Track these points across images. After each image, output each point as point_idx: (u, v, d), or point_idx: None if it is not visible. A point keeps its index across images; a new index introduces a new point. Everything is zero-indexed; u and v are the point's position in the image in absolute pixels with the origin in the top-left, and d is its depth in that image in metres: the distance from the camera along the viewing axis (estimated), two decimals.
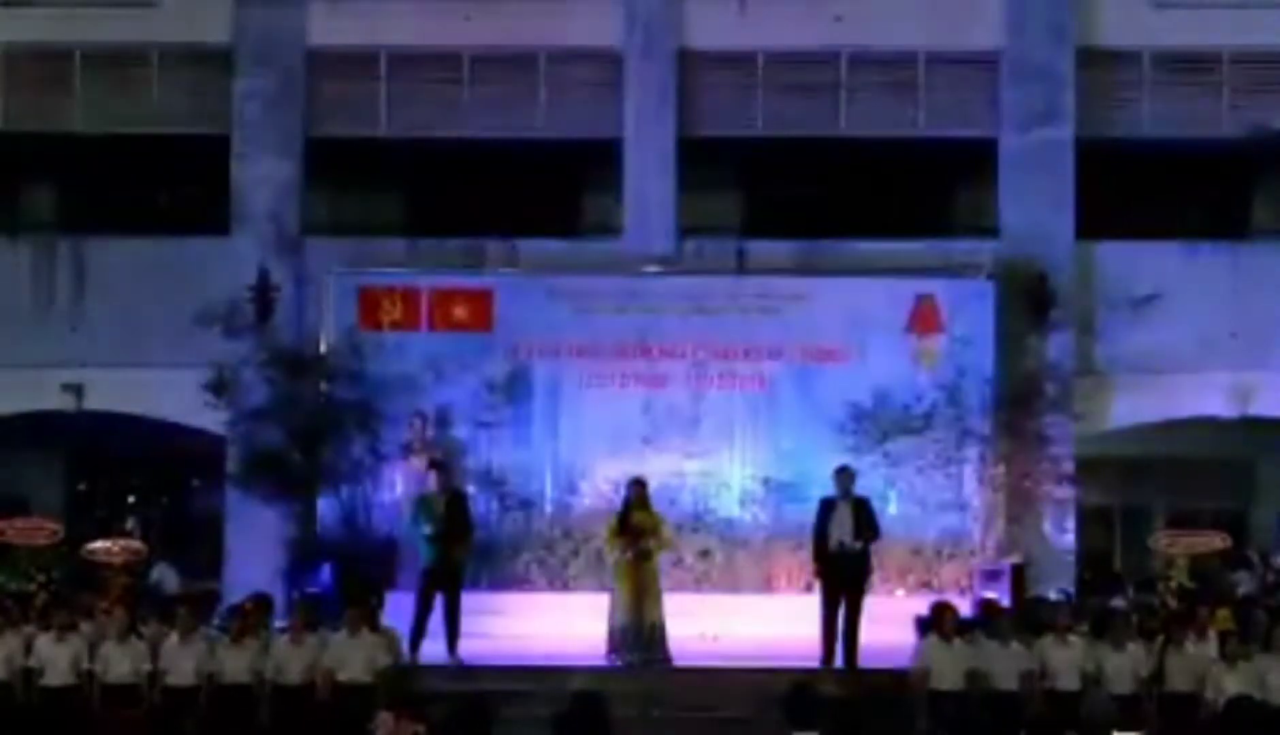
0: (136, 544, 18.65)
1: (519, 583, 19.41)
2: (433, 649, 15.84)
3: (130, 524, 22.70)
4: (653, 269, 20.28)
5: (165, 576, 19.58)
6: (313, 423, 19.00)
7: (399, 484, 19.46)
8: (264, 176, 20.50)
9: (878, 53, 20.75)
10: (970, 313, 19.88)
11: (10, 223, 21.37)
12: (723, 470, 19.81)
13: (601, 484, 19.31)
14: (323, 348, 19.71)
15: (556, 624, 17.83)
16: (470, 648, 16.09)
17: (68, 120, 20.91)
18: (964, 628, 14.80)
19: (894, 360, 19.77)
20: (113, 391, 20.17)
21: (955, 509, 19.67)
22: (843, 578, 15.99)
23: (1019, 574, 18.68)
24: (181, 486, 23.40)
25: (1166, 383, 20.23)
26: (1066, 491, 19.93)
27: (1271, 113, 20.71)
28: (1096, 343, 20.42)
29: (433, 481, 16.61)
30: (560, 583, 19.46)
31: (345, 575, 17.84)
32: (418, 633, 15.81)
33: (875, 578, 16.88)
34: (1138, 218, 20.95)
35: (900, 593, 19.00)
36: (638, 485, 16.52)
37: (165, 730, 14.11)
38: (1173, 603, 17.27)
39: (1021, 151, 20.56)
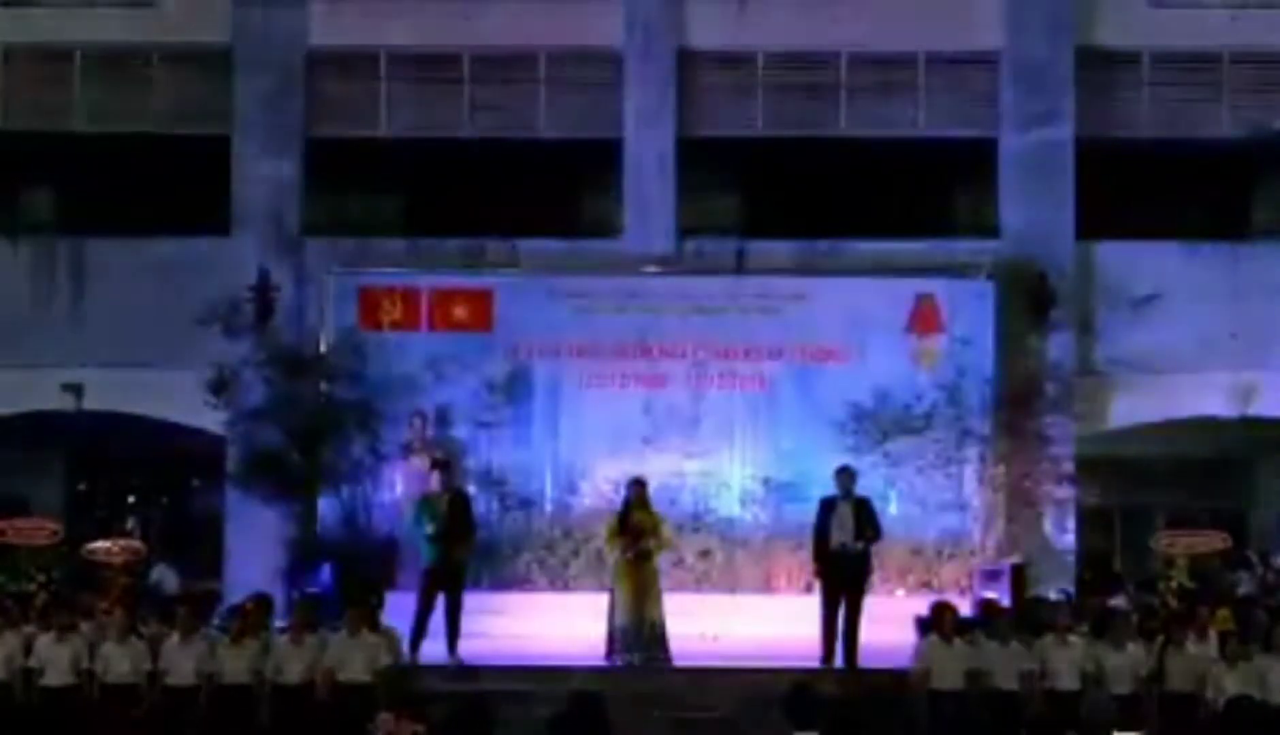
0: (136, 544, 18.66)
1: (519, 583, 19.41)
2: (433, 649, 15.83)
3: (130, 524, 22.73)
4: (653, 269, 20.28)
5: (165, 576, 19.59)
6: (313, 423, 19.00)
7: (399, 484, 19.48)
8: (264, 176, 20.52)
9: (877, 53, 20.76)
10: (970, 313, 19.89)
11: (10, 223, 21.37)
12: (723, 470, 19.81)
13: (601, 484, 19.31)
14: (323, 348, 19.72)
15: (556, 624, 17.80)
16: (470, 648, 16.07)
17: (68, 120, 20.94)
18: (964, 628, 14.80)
19: (894, 360, 19.78)
20: (113, 391, 20.17)
21: (955, 509, 19.67)
22: (843, 578, 15.98)
23: (1019, 574, 18.67)
24: (181, 486, 23.42)
25: (1166, 383, 20.25)
26: (1066, 491, 19.94)
27: (1271, 113, 20.73)
28: (1096, 343, 20.43)
29: (435, 481, 16.61)
30: (560, 583, 19.46)
31: (345, 575, 17.84)
32: (418, 633, 15.80)
33: (875, 578, 16.88)
34: (1138, 218, 20.93)
35: (900, 593, 18.99)
36: (638, 485, 16.51)
37: (165, 730, 14.11)
38: (1173, 603, 17.27)
39: (1021, 151, 20.57)
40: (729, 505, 19.76)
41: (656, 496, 16.94)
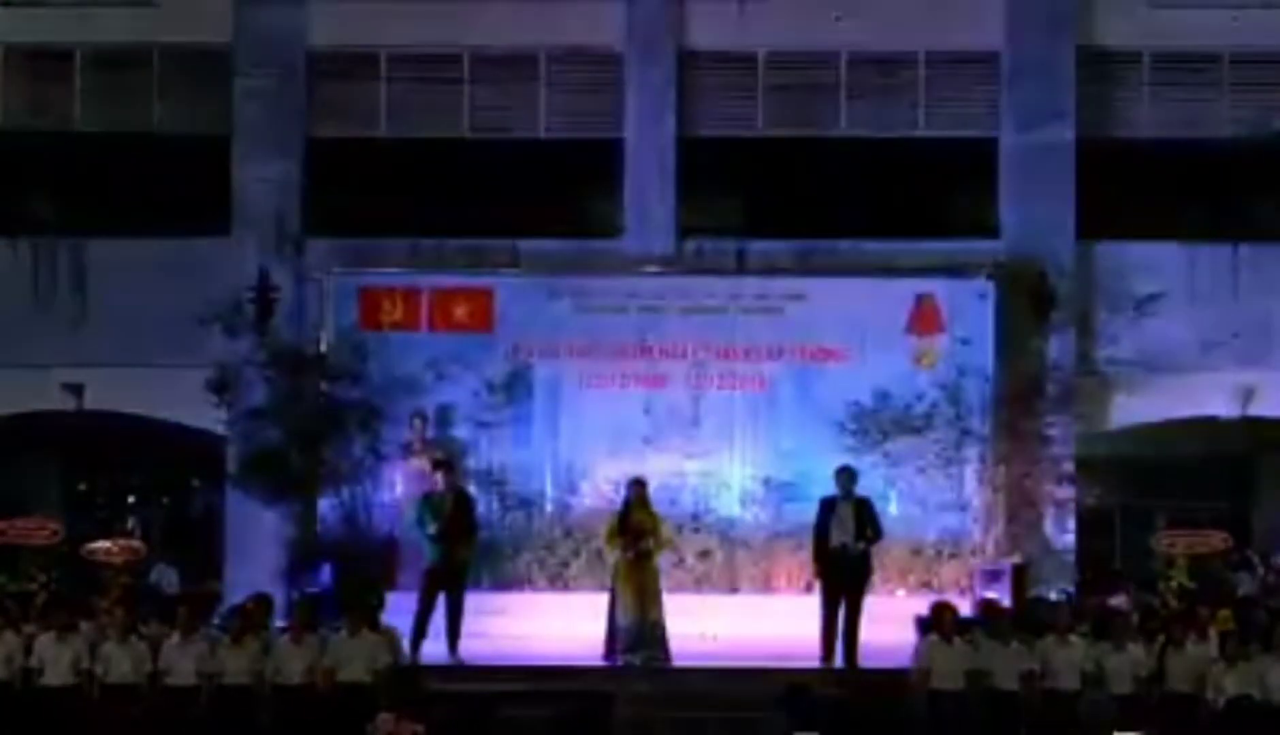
0: (136, 544, 18.68)
1: (519, 582, 19.43)
2: (433, 649, 15.84)
3: (130, 524, 22.72)
4: (653, 269, 20.28)
5: (165, 576, 19.60)
6: (313, 423, 19.01)
7: (399, 484, 19.50)
8: (264, 176, 20.51)
9: (877, 53, 20.76)
10: (970, 313, 19.88)
11: (10, 223, 21.34)
12: (723, 470, 19.81)
13: (601, 484, 19.33)
14: (323, 348, 19.72)
15: (556, 624, 17.81)
16: (470, 648, 16.09)
17: (68, 120, 20.94)
18: (964, 628, 14.81)
19: (894, 360, 19.77)
20: (113, 391, 20.16)
21: (955, 509, 19.68)
22: (843, 578, 16.00)
23: (1019, 574, 18.68)
24: (181, 486, 23.43)
25: (1166, 383, 20.24)
26: (1066, 491, 19.95)
27: (1271, 113, 20.73)
28: (1096, 343, 20.43)
29: (440, 481, 16.61)
30: (560, 583, 19.47)
31: (345, 575, 17.86)
32: (419, 632, 15.81)
33: (875, 578, 16.89)
34: (1138, 218, 20.92)
35: (900, 593, 18.99)
36: (638, 485, 16.54)
37: (165, 730, 14.11)
38: (1173, 603, 17.27)
39: (1021, 151, 20.56)
40: (729, 505, 19.76)
41: (656, 496, 16.97)
